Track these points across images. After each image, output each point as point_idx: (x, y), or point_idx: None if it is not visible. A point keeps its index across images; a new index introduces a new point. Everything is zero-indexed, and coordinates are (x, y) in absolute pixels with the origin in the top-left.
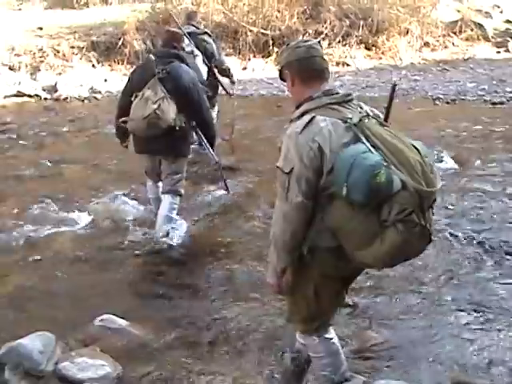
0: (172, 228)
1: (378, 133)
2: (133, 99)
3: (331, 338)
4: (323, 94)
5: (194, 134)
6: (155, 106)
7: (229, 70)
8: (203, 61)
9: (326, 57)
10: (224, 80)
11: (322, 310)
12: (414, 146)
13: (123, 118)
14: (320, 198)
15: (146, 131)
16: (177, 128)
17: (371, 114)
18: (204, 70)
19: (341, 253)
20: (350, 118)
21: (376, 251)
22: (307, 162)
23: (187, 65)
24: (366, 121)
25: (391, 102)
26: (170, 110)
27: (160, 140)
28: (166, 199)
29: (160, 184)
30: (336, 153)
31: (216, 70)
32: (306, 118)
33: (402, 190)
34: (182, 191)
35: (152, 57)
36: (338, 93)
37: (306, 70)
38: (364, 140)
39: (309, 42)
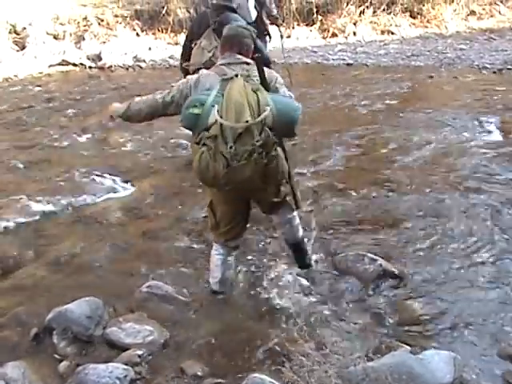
0: None
1: (232, 86)
2: (193, 46)
3: (219, 253)
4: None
5: None
6: (210, 54)
7: (277, 18)
8: (254, 6)
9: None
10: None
11: (218, 222)
12: (257, 97)
13: (186, 63)
14: None
15: None
16: None
17: (245, 74)
18: (254, 14)
19: None
20: (225, 74)
21: (193, 166)
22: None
23: (236, 13)
24: (236, 78)
25: (262, 72)
26: None
27: None
28: None
29: None
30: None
31: (265, 17)
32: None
33: (215, 123)
34: None
35: (207, 10)
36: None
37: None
38: (217, 86)
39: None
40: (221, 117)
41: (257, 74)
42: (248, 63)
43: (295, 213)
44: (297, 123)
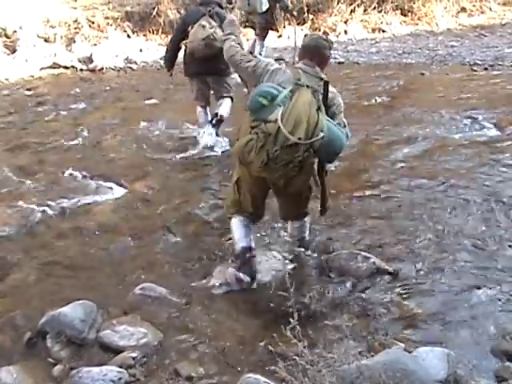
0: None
1: (301, 94)
2: (189, 29)
3: (245, 221)
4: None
5: None
6: (212, 31)
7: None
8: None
9: None
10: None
11: (240, 200)
12: (318, 117)
13: (184, 41)
14: None
15: (204, 50)
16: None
17: (316, 88)
18: (266, 5)
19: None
20: (301, 79)
21: (237, 142)
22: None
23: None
24: (307, 88)
25: (326, 95)
26: None
27: (211, 62)
28: (225, 101)
29: (208, 110)
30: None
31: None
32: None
33: (274, 122)
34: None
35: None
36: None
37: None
38: (289, 88)
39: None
40: (281, 120)
41: (321, 90)
42: (322, 78)
43: (308, 218)
44: (338, 155)
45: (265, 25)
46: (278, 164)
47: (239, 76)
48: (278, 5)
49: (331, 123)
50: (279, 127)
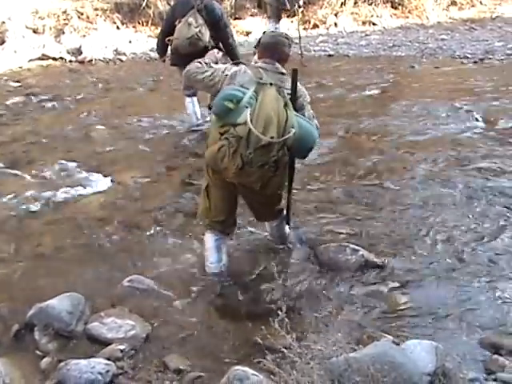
0: None
1: (267, 94)
2: (177, 23)
3: (216, 237)
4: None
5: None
6: (197, 30)
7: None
8: None
9: None
10: None
11: (210, 207)
12: (287, 115)
13: (169, 37)
14: None
15: (187, 48)
16: (209, 48)
17: (278, 84)
18: None
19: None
20: (262, 78)
21: (208, 151)
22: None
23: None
24: (270, 86)
25: (295, 84)
26: (207, 35)
27: (196, 56)
28: None
29: (195, 98)
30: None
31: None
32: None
33: (244, 124)
34: None
35: None
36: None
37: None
38: (252, 88)
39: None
40: (251, 121)
41: (289, 86)
42: (283, 73)
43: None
44: (311, 150)
45: (276, 5)
46: (254, 167)
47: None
48: None
49: (300, 118)
50: (250, 129)
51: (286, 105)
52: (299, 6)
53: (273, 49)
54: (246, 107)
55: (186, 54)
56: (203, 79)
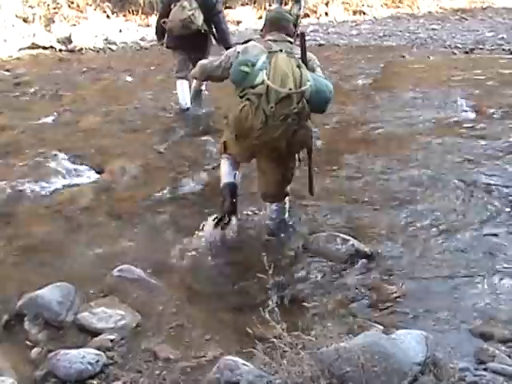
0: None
1: (278, 58)
2: (172, 6)
3: (230, 162)
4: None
5: (213, 39)
6: (190, 13)
7: None
8: None
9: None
10: None
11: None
12: (301, 71)
13: (164, 19)
14: None
15: (181, 30)
16: (202, 31)
17: (288, 50)
18: None
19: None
20: (271, 48)
21: (232, 114)
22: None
23: None
24: (281, 52)
25: (304, 48)
26: (200, 18)
27: (188, 39)
28: None
29: (186, 82)
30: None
31: None
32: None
33: (262, 83)
34: None
35: None
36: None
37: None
38: (264, 56)
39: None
40: (268, 79)
41: (298, 52)
42: (291, 42)
43: (287, 199)
44: (330, 102)
45: None
46: (277, 120)
47: None
48: None
49: (314, 74)
50: (268, 86)
51: (298, 66)
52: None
53: (278, 23)
54: (261, 70)
55: (180, 36)
56: (220, 63)
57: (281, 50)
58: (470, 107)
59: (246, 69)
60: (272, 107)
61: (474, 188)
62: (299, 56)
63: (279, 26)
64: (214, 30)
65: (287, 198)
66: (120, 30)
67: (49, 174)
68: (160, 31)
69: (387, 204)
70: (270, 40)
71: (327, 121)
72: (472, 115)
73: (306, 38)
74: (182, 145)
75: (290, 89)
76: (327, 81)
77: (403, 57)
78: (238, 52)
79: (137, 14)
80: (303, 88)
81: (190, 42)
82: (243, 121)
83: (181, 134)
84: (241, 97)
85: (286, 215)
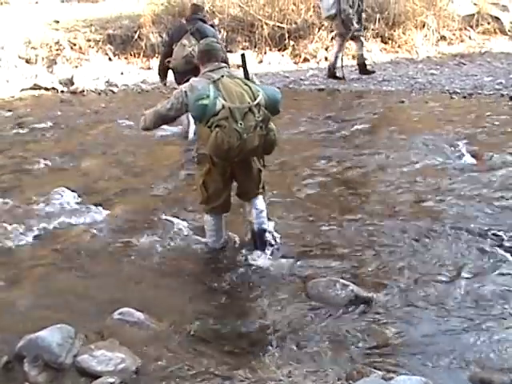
0: None
1: (224, 82)
2: (174, 47)
3: (217, 219)
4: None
5: None
6: (190, 49)
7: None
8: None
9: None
10: None
11: (209, 196)
12: (249, 86)
13: (168, 59)
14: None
15: (184, 66)
16: None
17: (229, 73)
18: (330, 10)
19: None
20: (213, 77)
21: (209, 144)
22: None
23: (206, 23)
24: (223, 78)
25: (245, 66)
26: None
27: (193, 72)
28: None
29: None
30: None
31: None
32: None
33: (223, 108)
34: None
35: (184, 21)
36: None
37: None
38: (211, 86)
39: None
40: (226, 102)
41: (237, 73)
42: (227, 66)
43: (265, 204)
44: (280, 102)
45: (336, 31)
46: (250, 132)
47: None
48: (351, 10)
49: (259, 84)
50: (230, 107)
51: (244, 83)
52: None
53: (209, 54)
54: (216, 98)
55: (185, 72)
56: (172, 105)
57: (222, 76)
58: (468, 152)
59: (205, 101)
60: (241, 123)
61: (475, 234)
62: (240, 76)
63: (210, 55)
64: None
65: (264, 202)
66: (122, 73)
67: (51, 214)
68: (162, 70)
69: (386, 250)
70: (207, 72)
71: (328, 166)
72: (470, 160)
73: (306, 82)
74: (182, 188)
75: (249, 103)
76: (271, 87)
77: (402, 102)
78: (185, 91)
79: (138, 57)
80: (258, 99)
81: (194, 76)
82: (220, 145)
83: (181, 177)
84: (209, 127)
85: (267, 224)
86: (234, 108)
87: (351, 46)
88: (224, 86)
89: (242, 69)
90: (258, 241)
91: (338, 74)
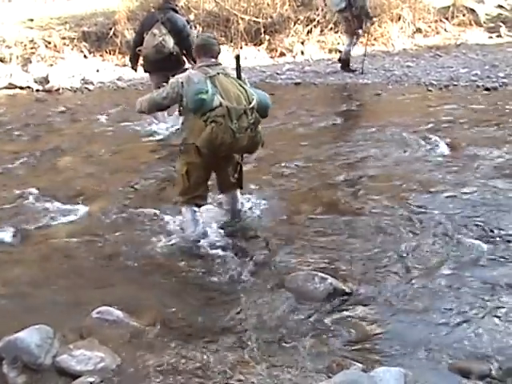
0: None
1: (221, 80)
2: (145, 35)
3: (195, 211)
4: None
5: (185, 58)
6: (161, 39)
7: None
8: None
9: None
10: None
11: (190, 187)
12: (244, 89)
13: (139, 47)
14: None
15: (155, 55)
16: (174, 53)
17: (224, 72)
18: (339, 4)
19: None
20: (209, 72)
21: (201, 137)
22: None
23: (178, 14)
24: (219, 75)
25: (239, 67)
26: (170, 42)
27: (163, 61)
28: None
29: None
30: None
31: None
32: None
33: (220, 106)
34: None
35: (154, 11)
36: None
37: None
38: (208, 81)
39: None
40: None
41: (230, 72)
42: (221, 64)
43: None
44: (270, 107)
45: (345, 25)
46: (242, 133)
47: None
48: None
49: (253, 88)
50: (227, 106)
51: (240, 85)
52: (371, 24)
53: (205, 48)
54: (214, 94)
55: (155, 61)
56: (167, 94)
57: (218, 74)
58: (445, 144)
59: (204, 96)
60: (235, 123)
61: (454, 226)
62: (233, 75)
63: (206, 50)
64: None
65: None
66: (97, 70)
67: (30, 215)
68: (133, 57)
69: (365, 243)
70: (203, 66)
71: (304, 160)
72: (446, 151)
73: (283, 76)
74: (161, 183)
75: (245, 105)
76: (263, 92)
77: (379, 94)
78: (182, 82)
79: (114, 54)
80: (253, 102)
81: (164, 65)
82: (214, 140)
83: (160, 172)
84: (204, 121)
85: (240, 204)
86: (232, 108)
87: (327, 39)
88: (221, 84)
89: (235, 69)
90: (233, 216)
91: (352, 67)
